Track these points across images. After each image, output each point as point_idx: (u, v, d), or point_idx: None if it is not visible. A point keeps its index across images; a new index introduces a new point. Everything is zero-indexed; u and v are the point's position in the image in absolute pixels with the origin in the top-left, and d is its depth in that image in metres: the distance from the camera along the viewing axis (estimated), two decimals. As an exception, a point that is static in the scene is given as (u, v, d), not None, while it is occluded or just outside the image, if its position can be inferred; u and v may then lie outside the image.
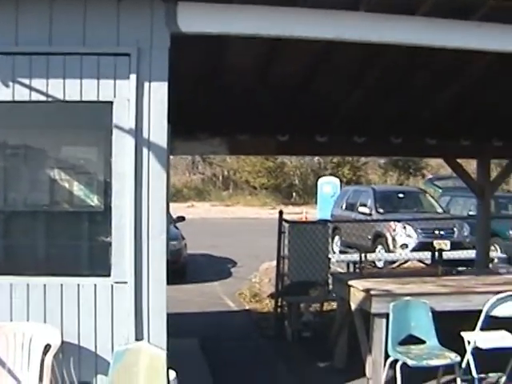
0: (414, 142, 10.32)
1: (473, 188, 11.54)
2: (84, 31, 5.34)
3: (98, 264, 5.57)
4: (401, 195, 21.78)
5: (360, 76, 8.19)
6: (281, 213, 10.61)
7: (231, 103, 8.39)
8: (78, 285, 5.38)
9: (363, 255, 8.65)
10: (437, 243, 16.76)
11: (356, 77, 8.19)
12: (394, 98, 8.84)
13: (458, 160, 11.74)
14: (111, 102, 5.39)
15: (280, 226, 10.44)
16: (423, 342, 7.07)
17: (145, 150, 5.35)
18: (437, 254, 8.86)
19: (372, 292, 7.13)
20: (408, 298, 7.08)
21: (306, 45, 6.26)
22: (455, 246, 17.37)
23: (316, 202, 33.21)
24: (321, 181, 32.41)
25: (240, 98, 8.31)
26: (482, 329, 7.22)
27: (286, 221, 10.55)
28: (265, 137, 9.57)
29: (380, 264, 16.41)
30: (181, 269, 15.57)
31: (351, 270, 12.02)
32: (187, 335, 9.33)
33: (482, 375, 7.44)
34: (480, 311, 7.18)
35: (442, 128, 10.05)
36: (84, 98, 5.38)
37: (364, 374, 7.30)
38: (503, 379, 7.58)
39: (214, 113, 8.56)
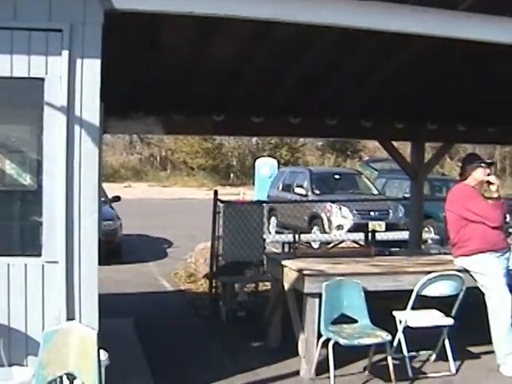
0: (349, 123, 10.40)
1: (407, 170, 11.68)
2: (15, 5, 5.22)
3: (29, 243, 5.51)
4: (337, 177, 21.95)
5: (296, 57, 8.18)
6: (216, 193, 10.59)
7: (166, 82, 8.33)
8: (8, 264, 5.30)
9: (297, 236, 8.68)
10: (372, 224, 16.97)
11: (292, 57, 8.18)
12: (330, 80, 8.87)
13: (396, 143, 11.86)
14: (43, 79, 5.30)
15: (215, 206, 10.42)
16: (355, 321, 7.15)
17: (77, 128, 5.27)
18: (370, 234, 8.94)
19: (305, 272, 7.16)
20: (341, 277, 7.15)
21: (242, 24, 6.23)
22: (390, 228, 17.65)
23: (253, 183, 33.25)
24: (258, 162, 32.40)
25: (175, 78, 8.26)
26: (413, 308, 7.34)
27: (221, 201, 10.54)
28: (200, 116, 9.53)
29: (316, 245, 16.56)
30: (116, 249, 15.49)
31: (286, 250, 12.05)
32: (121, 316, 9.30)
33: (413, 353, 7.61)
34: (411, 291, 7.29)
35: (377, 110, 10.14)
36: (14, 75, 5.26)
37: (297, 354, 7.35)
38: (433, 357, 7.77)
39: (149, 92, 8.49)
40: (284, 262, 7.73)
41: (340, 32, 6.58)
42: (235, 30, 6.86)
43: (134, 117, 9.17)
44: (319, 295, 6.96)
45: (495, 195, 7.80)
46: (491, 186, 7.83)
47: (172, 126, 9.64)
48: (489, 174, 7.86)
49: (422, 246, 12.64)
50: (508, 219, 20.29)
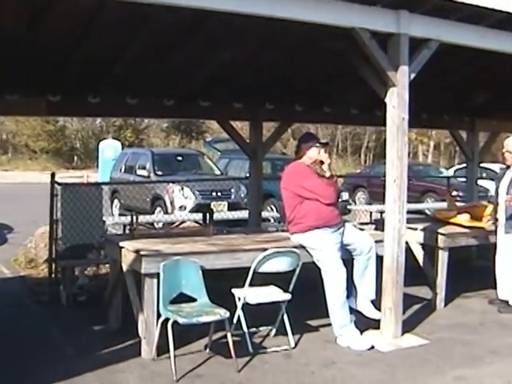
0: (186, 104, 10.42)
1: (245, 150, 11.80)
2: None
3: None
4: (179, 158, 21.99)
5: (131, 36, 8.10)
6: (53, 175, 10.34)
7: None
8: None
9: (135, 217, 8.64)
10: (214, 205, 17.11)
11: (127, 37, 8.09)
12: (166, 60, 8.84)
13: (240, 123, 11.96)
14: None
15: (52, 188, 10.21)
16: (195, 300, 7.21)
17: None
18: (208, 214, 9.01)
19: (142, 252, 7.14)
20: (178, 257, 7.18)
21: (77, 3, 6.14)
22: (232, 207, 17.83)
23: (98, 166, 32.90)
24: (102, 144, 32.11)
25: (8, 56, 7.99)
26: (251, 285, 7.47)
27: (58, 183, 10.34)
28: (35, 97, 9.28)
29: (159, 226, 16.53)
30: (-49, 237, 14.99)
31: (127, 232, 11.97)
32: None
33: (253, 329, 7.80)
34: (249, 268, 7.42)
35: (215, 91, 10.20)
36: None
37: (138, 335, 7.32)
38: (273, 332, 7.99)
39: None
40: (122, 244, 7.68)
41: (178, 12, 6.58)
42: (71, 7, 6.71)
43: (-33, 99, 8.85)
44: (157, 275, 6.97)
45: (327, 174, 8.05)
46: (323, 166, 8.08)
47: (5, 107, 9.32)
48: (329, 153, 8.15)
49: (262, 225, 12.84)
50: (346, 197, 21.11)
